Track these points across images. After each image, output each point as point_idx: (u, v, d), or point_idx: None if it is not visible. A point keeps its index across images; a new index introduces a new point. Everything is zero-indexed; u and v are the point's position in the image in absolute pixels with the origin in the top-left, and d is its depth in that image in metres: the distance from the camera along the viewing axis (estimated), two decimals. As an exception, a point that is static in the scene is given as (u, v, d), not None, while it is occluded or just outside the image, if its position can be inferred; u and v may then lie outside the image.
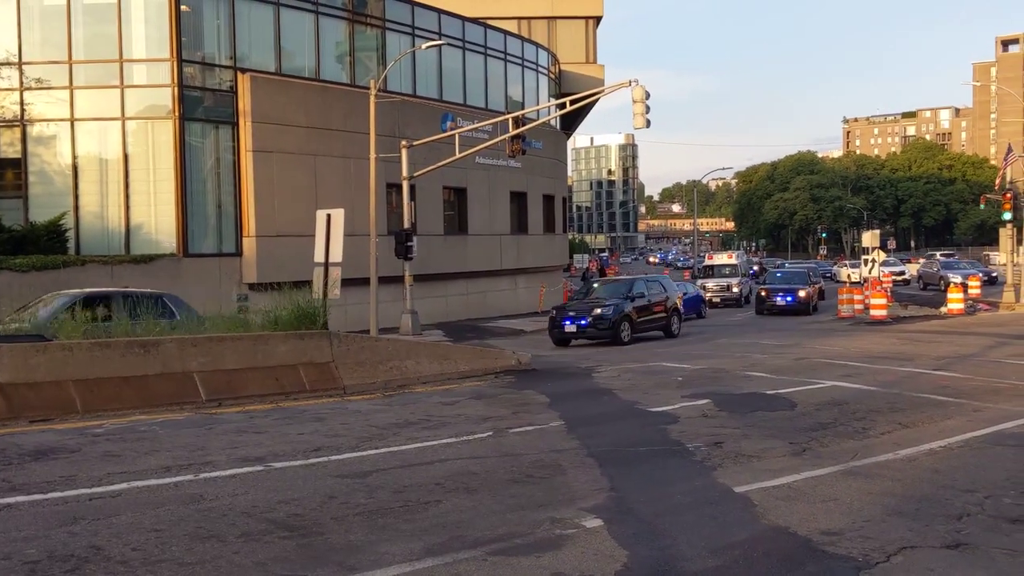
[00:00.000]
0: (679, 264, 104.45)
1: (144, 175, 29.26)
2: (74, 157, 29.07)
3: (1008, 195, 38.98)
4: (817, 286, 42.79)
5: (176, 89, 28.96)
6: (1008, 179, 43.15)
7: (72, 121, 28.94)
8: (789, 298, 38.07)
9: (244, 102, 30.03)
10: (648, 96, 25.84)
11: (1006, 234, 39.84)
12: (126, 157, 29.18)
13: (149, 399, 12.63)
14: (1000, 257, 53.01)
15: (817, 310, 39.43)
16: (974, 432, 10.72)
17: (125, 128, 29.22)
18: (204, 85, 30.26)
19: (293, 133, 31.12)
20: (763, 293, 39.19)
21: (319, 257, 17.28)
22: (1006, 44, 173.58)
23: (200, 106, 30.04)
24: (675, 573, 5.97)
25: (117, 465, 9.18)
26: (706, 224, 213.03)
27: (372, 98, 28.26)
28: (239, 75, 30.21)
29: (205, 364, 13.38)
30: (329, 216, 17.32)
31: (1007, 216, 38.31)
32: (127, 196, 29.11)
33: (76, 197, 28.96)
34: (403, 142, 29.15)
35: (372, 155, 27.98)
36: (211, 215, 30.28)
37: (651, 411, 12.60)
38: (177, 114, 28.96)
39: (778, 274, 44.50)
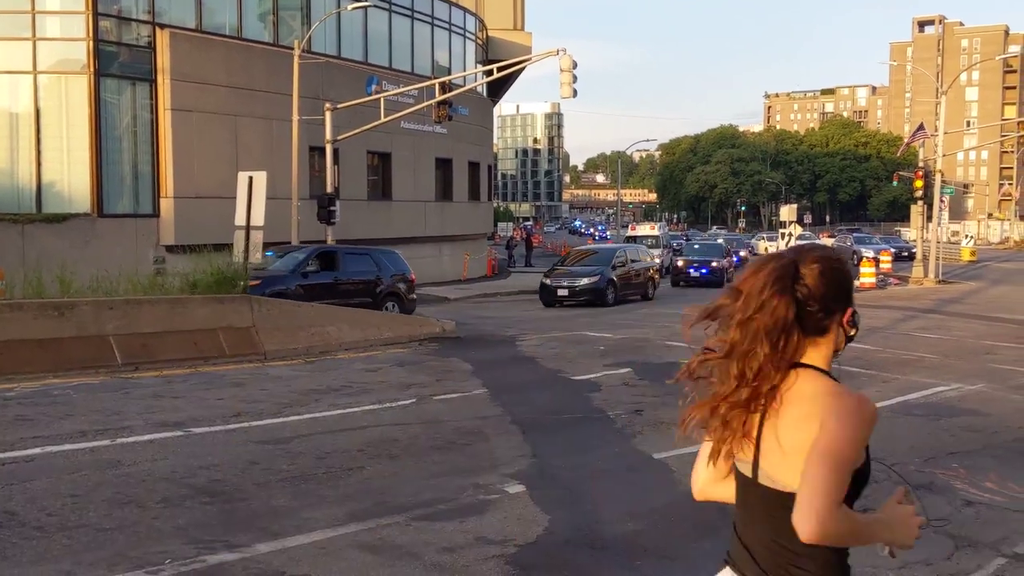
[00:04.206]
0: (583, 233, 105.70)
1: (57, 131, 28.24)
2: (-18, 111, 27.96)
3: (919, 172, 40.11)
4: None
5: (91, 43, 27.96)
6: (920, 156, 44.38)
7: (-20, 73, 27.80)
8: (704, 270, 38.40)
9: (163, 59, 29.15)
10: (575, 66, 25.87)
11: (917, 211, 41.08)
12: (38, 112, 28.12)
13: (63, 362, 12.31)
14: (911, 233, 54.73)
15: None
16: (883, 402, 11.09)
17: (37, 82, 28.14)
18: (121, 40, 29.27)
19: (214, 92, 30.33)
20: (679, 264, 39.69)
21: (240, 220, 16.96)
22: (922, 25, 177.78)
23: (116, 61, 29.05)
24: (595, 536, 6.10)
25: (30, 429, 8.96)
26: (629, 195, 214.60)
27: (296, 58, 27.73)
28: (158, 31, 29.29)
29: (121, 327, 13.09)
30: (251, 178, 17.01)
31: (919, 193, 39.42)
32: (39, 153, 28.09)
33: (-16, 152, 27.88)
34: (327, 104, 28.67)
35: (295, 117, 27.51)
36: (127, 174, 29.43)
37: (574, 379, 12.75)
38: (92, 69, 27.98)
39: (695, 245, 44.75)
